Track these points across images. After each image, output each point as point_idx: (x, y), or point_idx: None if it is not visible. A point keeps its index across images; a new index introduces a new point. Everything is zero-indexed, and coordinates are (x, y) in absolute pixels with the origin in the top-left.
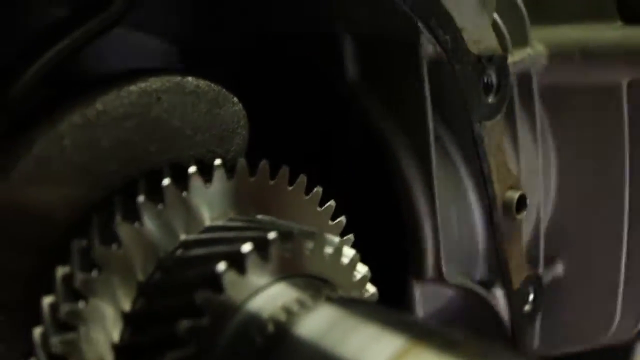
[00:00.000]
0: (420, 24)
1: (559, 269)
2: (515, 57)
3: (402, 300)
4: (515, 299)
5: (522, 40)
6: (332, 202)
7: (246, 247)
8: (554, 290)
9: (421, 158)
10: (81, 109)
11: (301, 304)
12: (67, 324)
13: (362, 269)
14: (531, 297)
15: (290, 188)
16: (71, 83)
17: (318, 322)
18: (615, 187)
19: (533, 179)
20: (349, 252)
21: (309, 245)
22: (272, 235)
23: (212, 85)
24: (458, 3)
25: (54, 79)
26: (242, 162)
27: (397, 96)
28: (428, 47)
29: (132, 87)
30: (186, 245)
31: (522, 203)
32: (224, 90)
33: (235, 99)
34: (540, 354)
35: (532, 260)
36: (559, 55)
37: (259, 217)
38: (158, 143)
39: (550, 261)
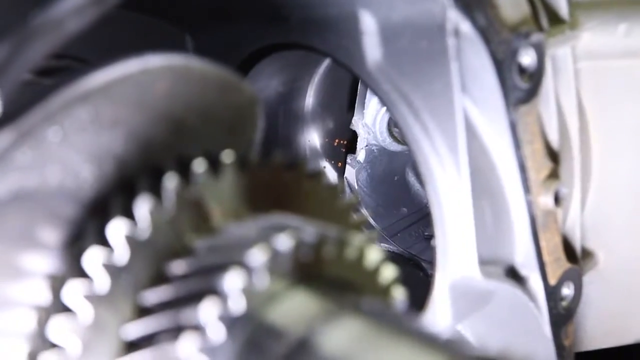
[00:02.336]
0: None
1: (598, 260)
2: (552, 36)
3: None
4: (552, 295)
5: (559, 17)
6: (354, 197)
7: (258, 255)
8: (593, 283)
9: (450, 145)
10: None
11: (322, 313)
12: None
13: (388, 271)
14: (570, 292)
15: (309, 181)
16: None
17: (342, 336)
18: None
19: (571, 166)
20: (374, 254)
21: (330, 247)
22: (287, 238)
23: (223, 69)
24: None
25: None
26: (254, 154)
27: (423, 79)
28: (457, 24)
29: (129, 69)
30: (193, 251)
31: (559, 193)
32: (234, 74)
33: (247, 85)
34: (580, 349)
35: (571, 254)
36: (601, 30)
37: (275, 215)
38: (160, 134)
39: (589, 254)
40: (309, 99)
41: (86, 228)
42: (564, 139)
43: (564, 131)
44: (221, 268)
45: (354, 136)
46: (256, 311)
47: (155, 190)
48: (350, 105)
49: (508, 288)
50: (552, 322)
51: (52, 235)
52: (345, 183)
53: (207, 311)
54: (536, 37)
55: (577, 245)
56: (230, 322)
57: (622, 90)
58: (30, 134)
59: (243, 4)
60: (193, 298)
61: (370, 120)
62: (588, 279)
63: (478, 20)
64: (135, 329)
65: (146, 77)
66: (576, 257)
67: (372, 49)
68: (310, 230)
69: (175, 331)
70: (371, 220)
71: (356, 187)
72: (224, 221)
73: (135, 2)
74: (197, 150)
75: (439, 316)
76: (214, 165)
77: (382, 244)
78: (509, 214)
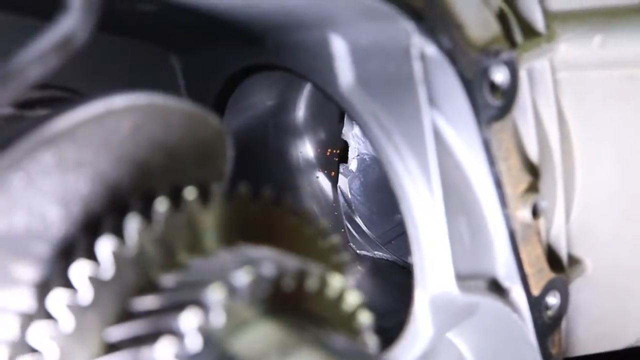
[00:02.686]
0: (411, 25)
1: (586, 268)
2: (526, 50)
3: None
4: (536, 305)
5: (534, 31)
6: (324, 221)
7: (214, 293)
8: (582, 290)
9: (422, 165)
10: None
11: (280, 347)
12: None
13: (352, 298)
14: (555, 301)
15: (275, 209)
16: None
17: None
18: None
19: (553, 177)
20: (336, 284)
21: (289, 279)
22: (245, 274)
23: (189, 103)
24: None
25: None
26: (218, 187)
27: (393, 101)
28: (422, 49)
29: (93, 111)
30: (158, 287)
31: (538, 206)
32: (201, 108)
33: (215, 118)
34: (572, 354)
35: (556, 263)
36: (577, 42)
37: (240, 248)
38: (126, 173)
39: (577, 261)
40: (300, 112)
41: (55, 268)
42: (545, 150)
43: (545, 143)
44: (179, 307)
45: (346, 145)
46: (215, 347)
47: (120, 229)
48: (341, 115)
49: (489, 301)
50: (538, 331)
51: (24, 274)
52: (339, 192)
53: (163, 351)
54: (507, 54)
55: (563, 254)
56: (187, 359)
57: (602, 100)
58: None
59: (222, 27)
60: (152, 337)
61: (359, 131)
62: (577, 286)
63: (443, 43)
64: None
65: (110, 117)
66: (562, 266)
67: (344, 72)
68: (269, 264)
69: None
70: (365, 229)
71: (349, 196)
72: (189, 257)
73: (121, 27)
74: (164, 187)
75: (420, 329)
76: (178, 201)
77: (376, 252)
78: (487, 229)
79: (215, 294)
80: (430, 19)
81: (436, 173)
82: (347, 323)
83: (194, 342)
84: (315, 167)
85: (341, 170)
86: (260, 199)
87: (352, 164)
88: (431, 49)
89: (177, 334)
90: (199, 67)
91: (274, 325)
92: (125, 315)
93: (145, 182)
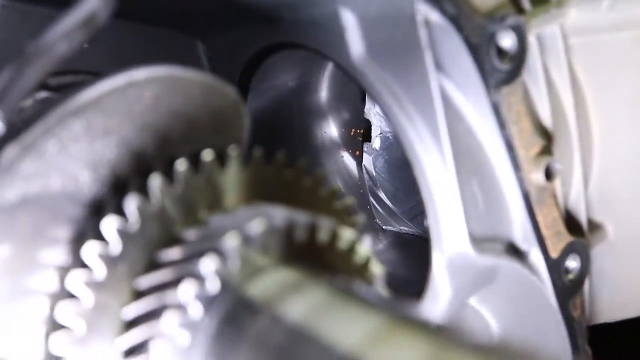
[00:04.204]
0: None
1: (608, 233)
2: (535, 17)
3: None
4: (555, 268)
5: None
6: (350, 199)
7: (230, 241)
8: (605, 255)
9: (433, 131)
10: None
11: (293, 285)
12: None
13: (364, 250)
14: (576, 265)
15: (289, 171)
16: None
17: (303, 303)
18: None
19: (569, 141)
20: (347, 236)
21: (301, 232)
22: (258, 225)
23: (206, 75)
24: None
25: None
26: (234, 150)
27: (402, 69)
28: (427, 15)
29: (116, 83)
30: (181, 241)
31: (552, 169)
32: (218, 79)
33: (232, 89)
34: (592, 322)
35: (576, 227)
36: (586, 6)
37: (254, 206)
38: (149, 139)
39: (598, 227)
40: (323, 93)
41: (88, 225)
42: (560, 116)
43: (559, 108)
44: (200, 255)
45: (369, 124)
46: (232, 291)
47: (145, 189)
48: (363, 95)
49: (507, 263)
50: (558, 294)
51: (60, 232)
52: (364, 171)
53: (186, 292)
54: (514, 20)
55: (583, 219)
56: (208, 300)
57: (615, 63)
58: (32, 148)
59: (242, 7)
60: (177, 282)
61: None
62: (599, 251)
63: (447, 9)
64: (132, 311)
65: (133, 89)
66: (582, 230)
67: (355, 44)
68: (281, 216)
69: (163, 311)
70: (390, 205)
71: (374, 174)
72: (208, 213)
73: (149, 17)
74: (185, 153)
75: (439, 291)
76: (197, 165)
77: (402, 228)
78: (501, 192)
79: (231, 242)
80: None
81: (446, 137)
82: (359, 274)
83: (213, 285)
84: (340, 146)
85: (365, 149)
86: (274, 162)
87: (376, 142)
88: (435, 16)
89: (198, 278)
90: (222, 51)
91: (287, 272)
92: (152, 266)
93: (168, 149)
